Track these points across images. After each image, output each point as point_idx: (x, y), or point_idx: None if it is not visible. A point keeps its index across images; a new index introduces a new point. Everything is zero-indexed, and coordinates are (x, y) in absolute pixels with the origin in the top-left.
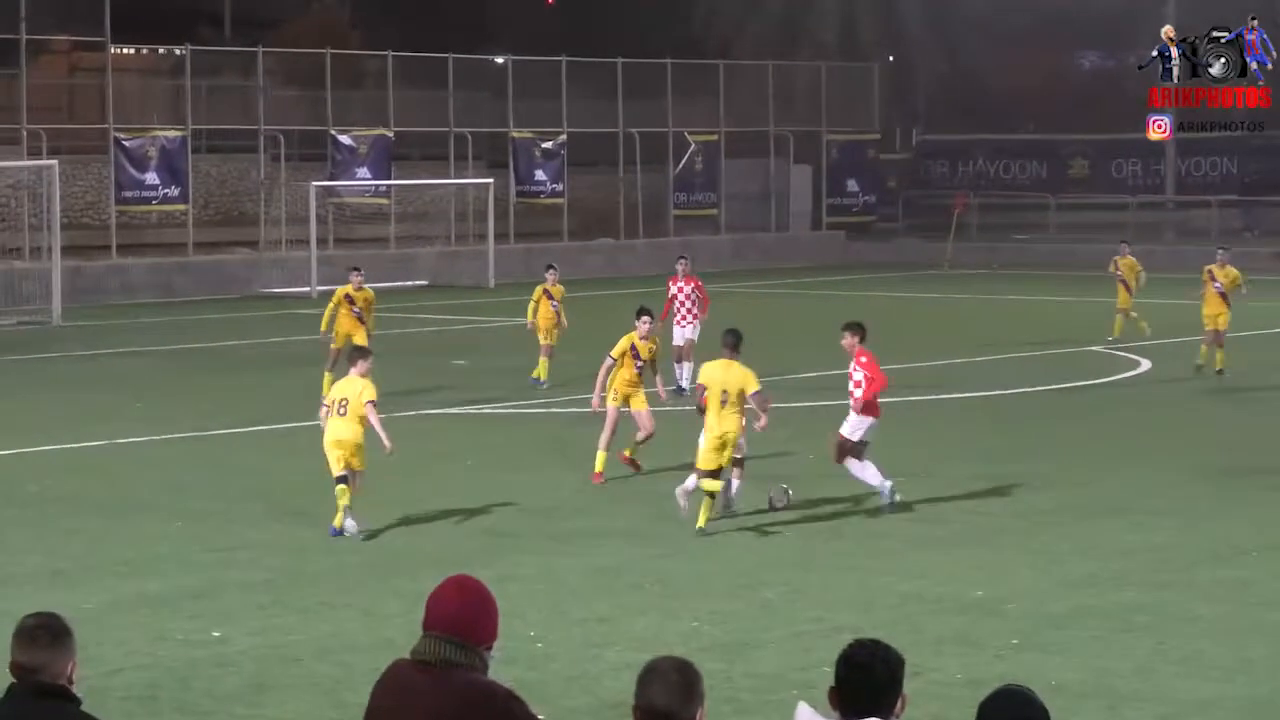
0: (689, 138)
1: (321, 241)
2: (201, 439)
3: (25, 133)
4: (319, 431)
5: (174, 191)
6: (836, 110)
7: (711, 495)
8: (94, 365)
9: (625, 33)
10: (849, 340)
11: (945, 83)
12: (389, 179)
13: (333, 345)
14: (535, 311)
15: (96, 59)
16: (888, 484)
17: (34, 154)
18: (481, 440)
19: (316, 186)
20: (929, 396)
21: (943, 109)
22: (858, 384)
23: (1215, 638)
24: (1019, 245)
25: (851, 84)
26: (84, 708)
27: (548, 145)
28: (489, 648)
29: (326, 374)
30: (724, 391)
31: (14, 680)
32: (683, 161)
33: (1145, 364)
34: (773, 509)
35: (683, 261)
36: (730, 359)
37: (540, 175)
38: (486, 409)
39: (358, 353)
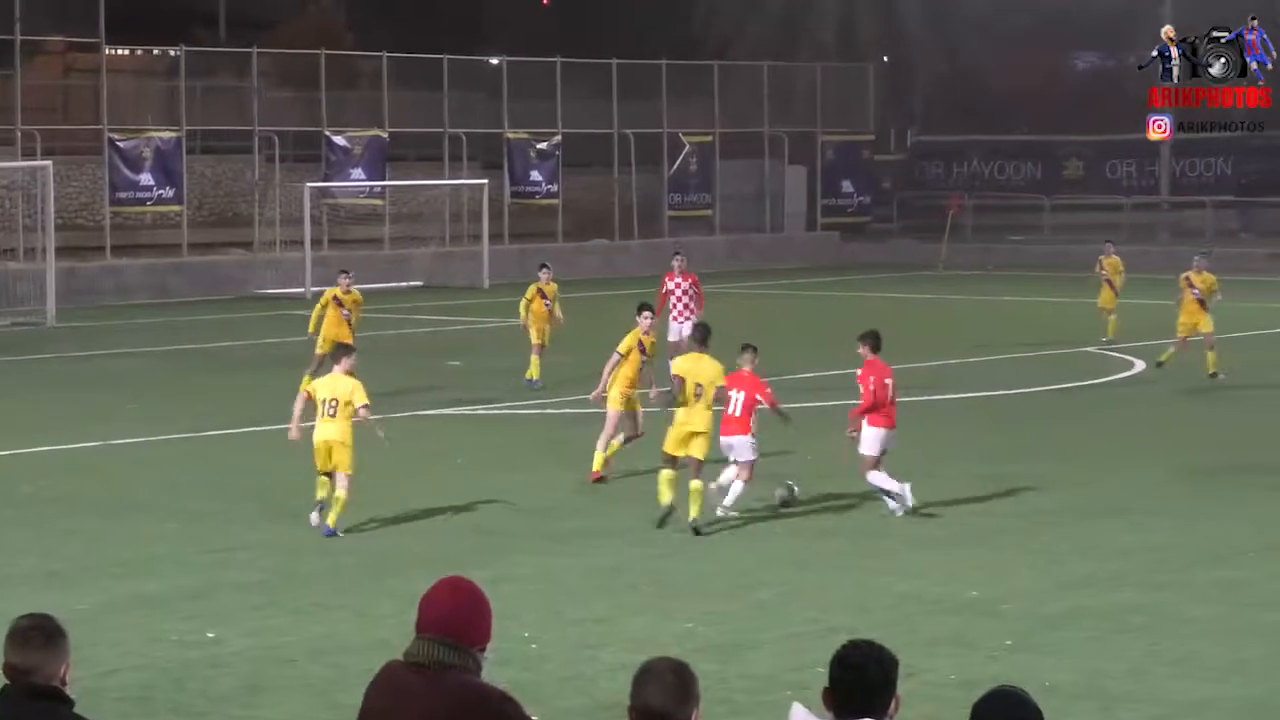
0: (684, 139)
1: (316, 242)
2: (197, 440)
3: (20, 133)
4: (312, 431)
5: (168, 192)
6: (831, 111)
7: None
8: (89, 366)
9: (620, 33)
10: (859, 350)
11: (944, 83)
12: (384, 180)
13: (318, 350)
14: (527, 309)
15: (91, 60)
16: (906, 485)
17: (28, 155)
18: (477, 441)
19: (311, 187)
20: (925, 397)
21: (941, 109)
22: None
23: (1210, 638)
24: (1013, 246)
25: (846, 85)
26: (78, 709)
27: (542, 146)
28: (482, 649)
29: (306, 376)
30: (697, 385)
31: (7, 682)
32: (678, 162)
33: (1139, 365)
34: (784, 506)
35: (679, 258)
36: (700, 353)
37: (535, 176)
38: (481, 410)
39: (342, 350)
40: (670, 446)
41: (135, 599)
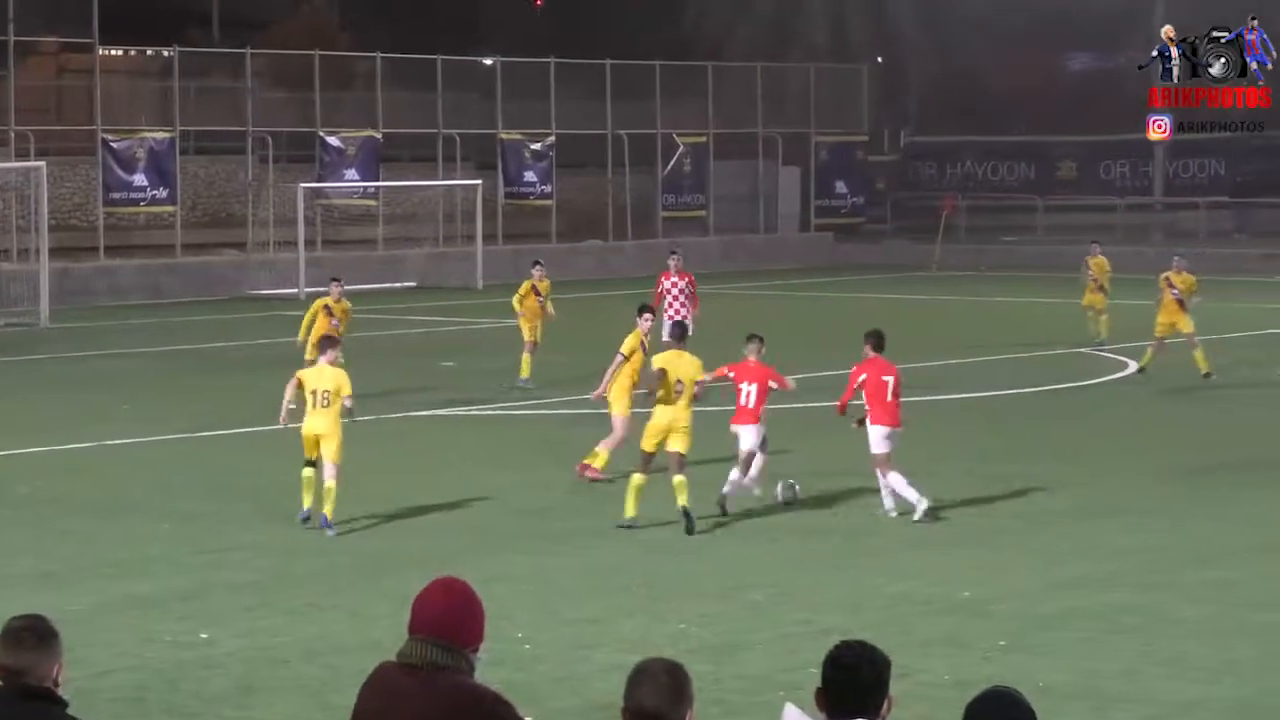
0: (677, 139)
1: (309, 243)
2: (191, 440)
3: (13, 134)
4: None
5: (162, 193)
6: (825, 112)
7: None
8: (83, 367)
9: (614, 34)
10: (865, 348)
11: (937, 84)
12: (377, 180)
13: (306, 358)
14: (520, 304)
15: (84, 60)
16: (924, 503)
17: (21, 155)
18: (471, 441)
19: (304, 188)
20: (921, 397)
21: (935, 110)
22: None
23: (1202, 639)
24: (1007, 247)
25: (840, 85)
26: (71, 710)
27: (536, 147)
28: (475, 650)
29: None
30: (678, 380)
31: (0, 683)
32: (671, 163)
33: (1132, 365)
34: (786, 504)
35: (675, 256)
36: (680, 349)
37: (529, 176)
38: (475, 410)
39: (327, 342)
40: (648, 443)
41: (129, 599)
